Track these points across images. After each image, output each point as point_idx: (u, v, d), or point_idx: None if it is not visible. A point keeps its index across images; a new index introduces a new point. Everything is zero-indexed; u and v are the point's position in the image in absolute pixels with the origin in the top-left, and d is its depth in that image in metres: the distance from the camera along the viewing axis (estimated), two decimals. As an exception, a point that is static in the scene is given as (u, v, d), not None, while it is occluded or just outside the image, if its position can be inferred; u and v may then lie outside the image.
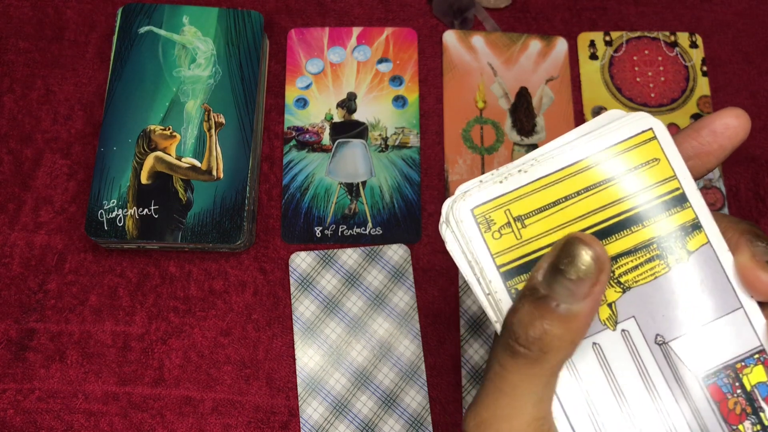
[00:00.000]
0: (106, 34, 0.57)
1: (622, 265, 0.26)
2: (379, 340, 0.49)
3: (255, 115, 0.53)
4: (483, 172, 0.53)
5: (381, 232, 0.52)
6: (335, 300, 0.50)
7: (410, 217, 0.53)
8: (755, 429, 0.25)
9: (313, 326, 0.50)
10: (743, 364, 0.25)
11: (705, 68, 0.57)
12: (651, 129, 0.26)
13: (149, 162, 0.51)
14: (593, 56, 0.58)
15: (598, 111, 0.56)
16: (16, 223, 0.52)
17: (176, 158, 0.51)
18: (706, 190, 0.54)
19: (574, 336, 0.24)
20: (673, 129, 0.56)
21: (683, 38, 0.58)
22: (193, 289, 0.51)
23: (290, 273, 0.51)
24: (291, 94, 0.56)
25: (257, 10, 0.57)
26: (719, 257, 0.26)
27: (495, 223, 0.26)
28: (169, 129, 0.52)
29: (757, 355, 0.25)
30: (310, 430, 0.48)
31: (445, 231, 0.26)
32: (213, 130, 0.52)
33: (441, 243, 0.52)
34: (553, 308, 0.23)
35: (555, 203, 0.26)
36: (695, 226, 0.26)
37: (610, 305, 0.25)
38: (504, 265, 0.26)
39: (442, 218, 0.26)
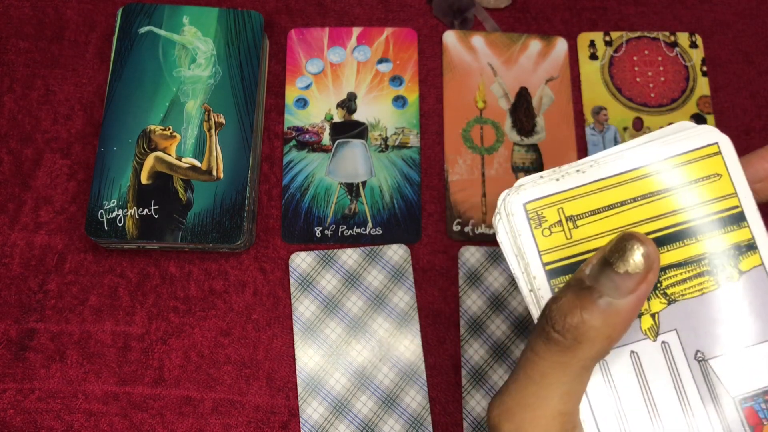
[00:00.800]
0: (106, 34, 0.57)
1: (670, 277, 0.25)
2: (379, 340, 0.49)
3: (255, 115, 0.53)
4: (483, 173, 0.54)
5: (381, 232, 0.52)
6: (335, 300, 0.50)
7: (410, 217, 0.53)
8: None
9: (313, 326, 0.50)
10: None
11: (705, 68, 0.57)
12: (716, 143, 0.26)
13: (149, 162, 0.51)
14: (593, 56, 0.58)
15: (598, 111, 0.56)
16: (16, 223, 0.52)
17: (176, 158, 0.51)
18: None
19: (612, 331, 0.23)
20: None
21: (683, 38, 0.58)
22: (193, 289, 0.51)
23: (290, 273, 0.51)
24: (291, 94, 0.56)
25: (257, 10, 0.57)
26: None
27: (546, 220, 0.26)
28: (169, 129, 0.52)
29: None
30: (310, 430, 0.48)
31: (497, 222, 0.26)
32: (213, 130, 0.52)
33: (441, 243, 0.52)
34: (595, 299, 0.23)
35: (610, 207, 0.25)
36: (750, 247, 0.25)
37: (653, 316, 0.25)
38: (551, 263, 0.26)
39: (497, 209, 0.26)
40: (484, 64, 0.57)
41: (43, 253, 0.51)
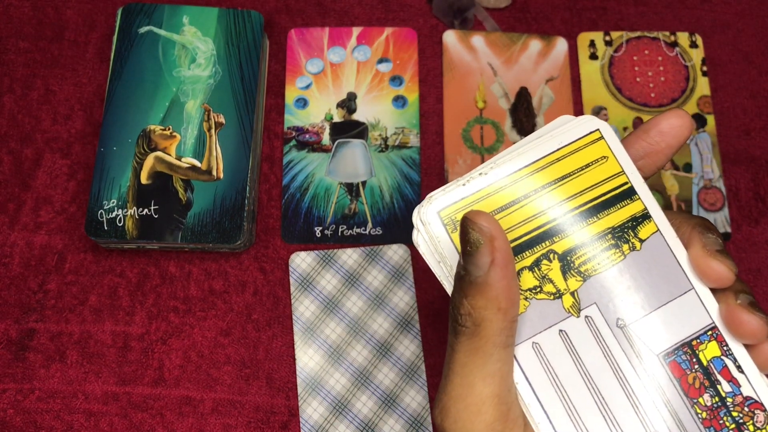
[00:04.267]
0: (106, 34, 0.57)
1: (580, 256, 0.28)
2: (379, 340, 0.49)
3: (255, 115, 0.53)
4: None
5: (381, 232, 0.52)
6: (335, 300, 0.50)
7: (410, 217, 0.53)
8: (714, 401, 0.27)
9: (313, 326, 0.50)
10: (698, 341, 0.27)
11: (705, 68, 0.57)
12: (598, 130, 0.28)
13: (149, 162, 0.51)
14: (593, 56, 0.58)
15: (598, 111, 0.56)
16: (16, 223, 0.52)
17: (176, 158, 0.51)
18: (706, 190, 0.54)
19: (499, 303, 0.25)
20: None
21: (683, 38, 0.58)
22: (193, 289, 0.51)
23: (290, 273, 0.51)
24: (291, 94, 0.56)
25: (257, 10, 0.57)
26: (669, 243, 0.28)
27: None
28: (169, 129, 0.52)
29: (710, 332, 0.27)
30: (310, 430, 0.48)
31: (416, 237, 0.28)
32: (213, 130, 0.52)
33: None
34: (469, 282, 0.26)
35: (515, 202, 0.28)
36: (645, 216, 0.28)
37: (573, 294, 0.27)
38: None
39: (414, 226, 0.28)
40: (484, 64, 0.57)
41: (43, 253, 0.51)
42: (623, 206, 0.28)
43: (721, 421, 0.27)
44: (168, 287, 0.51)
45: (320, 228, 0.52)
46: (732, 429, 0.27)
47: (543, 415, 0.27)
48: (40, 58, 0.57)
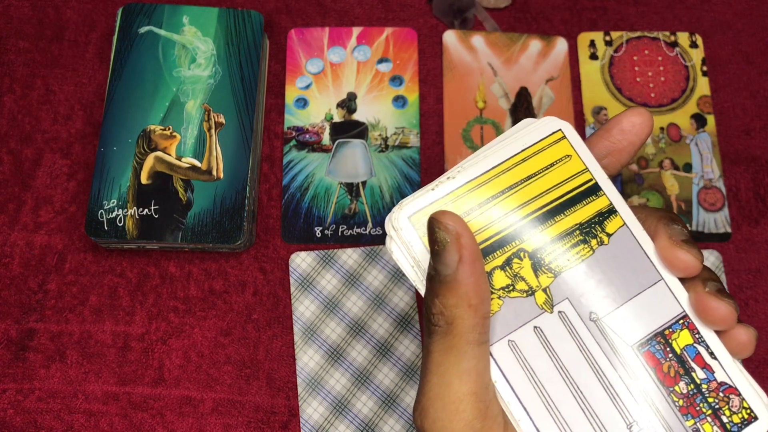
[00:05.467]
0: (106, 34, 0.57)
1: (550, 253, 0.28)
2: (379, 340, 0.49)
3: (255, 115, 0.53)
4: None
5: (381, 232, 0.52)
6: (335, 300, 0.50)
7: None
8: (689, 389, 0.27)
9: (313, 326, 0.50)
10: (671, 330, 0.28)
11: (705, 68, 0.57)
12: (560, 130, 0.29)
13: (149, 162, 0.51)
14: (593, 56, 0.58)
15: (598, 111, 0.56)
16: (16, 223, 0.52)
17: (176, 158, 0.51)
18: (706, 190, 0.54)
19: (469, 300, 0.26)
20: (674, 129, 0.56)
21: (683, 38, 0.58)
22: (193, 289, 0.51)
23: (290, 273, 0.51)
24: (291, 94, 0.56)
25: (257, 10, 0.57)
26: (636, 236, 0.28)
27: None
28: (169, 129, 0.52)
29: (681, 321, 0.28)
30: (310, 430, 0.48)
31: (389, 244, 0.28)
32: (213, 130, 0.52)
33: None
34: (439, 282, 0.26)
35: (483, 203, 0.28)
36: (611, 211, 0.29)
37: (545, 290, 0.28)
38: None
39: (387, 234, 0.29)
40: (484, 64, 0.57)
41: (43, 253, 0.51)
42: (589, 202, 0.29)
43: (697, 408, 0.27)
44: (168, 287, 0.51)
45: (320, 228, 0.52)
46: (709, 415, 0.27)
47: (523, 412, 0.27)
48: (40, 58, 0.57)
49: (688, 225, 0.53)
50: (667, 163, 0.55)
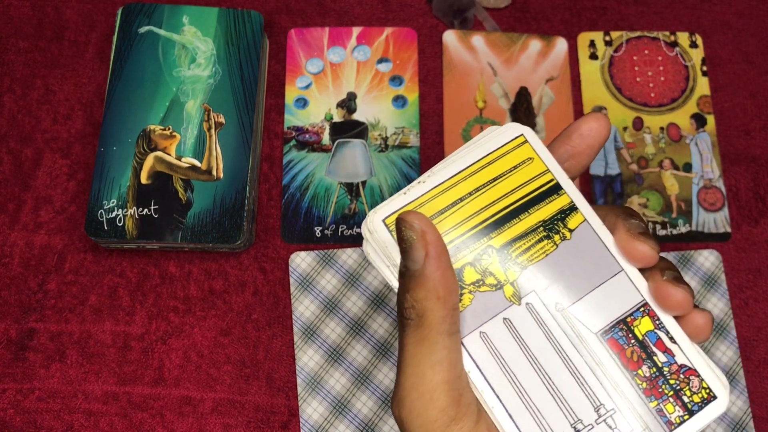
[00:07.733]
0: (106, 34, 0.57)
1: (516, 249, 0.30)
2: (379, 340, 0.49)
3: (255, 115, 0.53)
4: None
5: (381, 232, 0.52)
6: (335, 300, 0.50)
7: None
8: (652, 372, 0.29)
9: (313, 326, 0.50)
10: (632, 317, 0.30)
11: (705, 68, 0.57)
12: (522, 135, 0.31)
13: (149, 162, 0.51)
14: (593, 56, 0.58)
15: (598, 111, 0.56)
16: (16, 223, 0.52)
17: (176, 158, 0.51)
18: (706, 189, 0.54)
19: (437, 293, 0.27)
20: (674, 129, 0.56)
21: (683, 38, 0.58)
22: (193, 289, 0.51)
23: (290, 273, 0.51)
24: (291, 94, 0.56)
25: (257, 10, 0.57)
26: (596, 231, 0.30)
27: None
28: (169, 129, 0.52)
29: (642, 308, 0.30)
30: (310, 430, 0.48)
31: (366, 247, 0.30)
32: (213, 130, 0.52)
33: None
34: (409, 277, 0.28)
35: (452, 205, 0.30)
36: (572, 209, 0.30)
37: (512, 284, 0.30)
38: None
39: (363, 238, 0.30)
40: (484, 64, 0.57)
41: (43, 253, 0.51)
42: (551, 201, 0.30)
43: (660, 390, 0.29)
44: (168, 287, 0.51)
45: (320, 228, 0.52)
46: (671, 396, 0.29)
47: (496, 399, 0.29)
48: (40, 58, 0.57)
49: (687, 225, 0.53)
50: (667, 163, 0.55)
